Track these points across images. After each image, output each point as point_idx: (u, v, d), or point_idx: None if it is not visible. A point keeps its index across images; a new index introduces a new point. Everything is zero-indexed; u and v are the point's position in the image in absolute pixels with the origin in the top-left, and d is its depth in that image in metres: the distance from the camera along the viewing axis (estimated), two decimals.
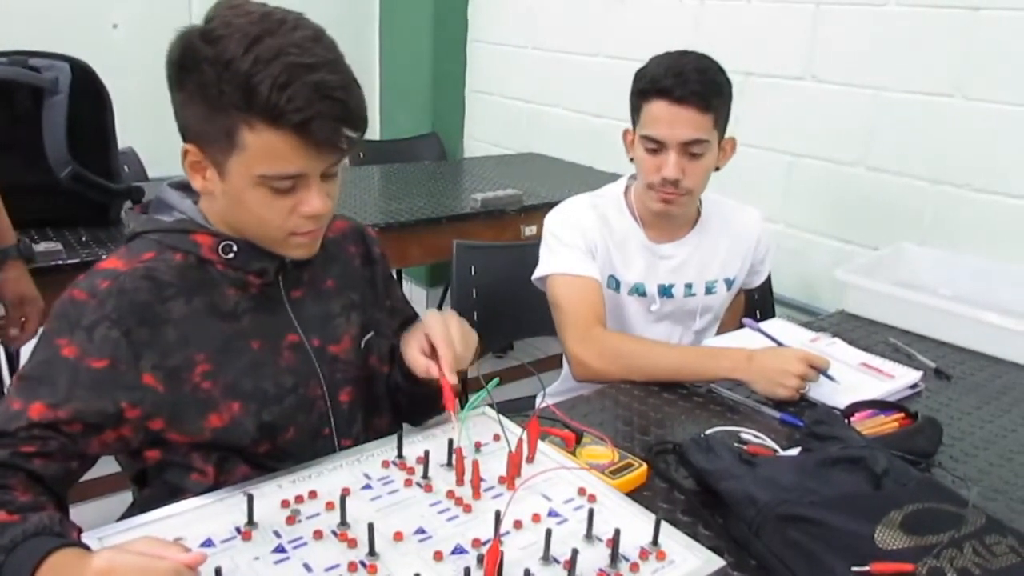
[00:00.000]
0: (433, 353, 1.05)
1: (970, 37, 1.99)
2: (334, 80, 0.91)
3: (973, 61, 2.00)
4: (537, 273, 1.57)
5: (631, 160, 1.55)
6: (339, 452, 1.02)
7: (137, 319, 0.95)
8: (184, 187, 1.06)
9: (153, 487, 1.05)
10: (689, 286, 1.62)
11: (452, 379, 1.01)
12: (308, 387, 1.07)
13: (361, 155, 3.39)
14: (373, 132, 3.97)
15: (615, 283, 1.59)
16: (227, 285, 1.02)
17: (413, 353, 1.06)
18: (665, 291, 1.61)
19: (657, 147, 1.46)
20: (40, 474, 0.88)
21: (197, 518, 0.86)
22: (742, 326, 1.54)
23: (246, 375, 1.01)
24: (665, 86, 1.42)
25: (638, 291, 1.60)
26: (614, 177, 1.68)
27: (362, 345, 1.14)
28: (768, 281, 2.06)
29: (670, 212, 1.52)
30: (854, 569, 0.82)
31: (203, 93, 0.91)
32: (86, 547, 0.77)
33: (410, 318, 1.28)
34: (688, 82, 1.40)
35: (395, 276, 1.33)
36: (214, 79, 0.89)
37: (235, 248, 1.01)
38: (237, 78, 0.88)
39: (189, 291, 1.00)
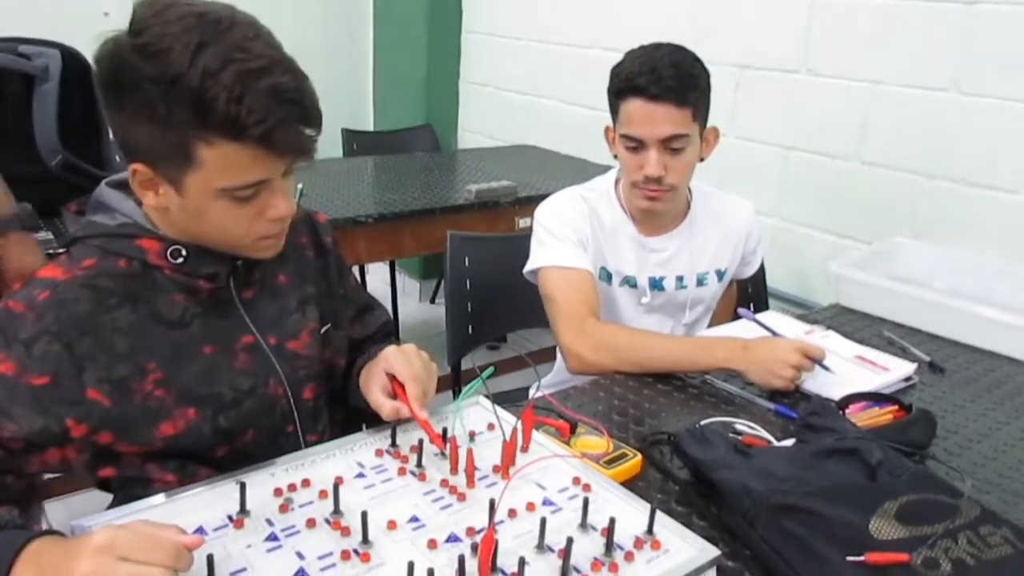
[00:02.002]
0: (396, 391, 1.03)
1: (967, 31, 1.99)
2: (287, 81, 0.87)
3: (970, 56, 1.99)
4: (529, 266, 1.56)
5: (615, 157, 1.54)
6: (332, 441, 1.01)
7: (79, 331, 0.91)
8: (124, 186, 1.00)
9: (118, 500, 1.03)
10: (680, 279, 1.62)
11: (424, 415, 0.99)
12: (268, 387, 1.04)
13: (354, 146, 3.38)
14: (367, 123, 3.95)
15: (607, 275, 1.58)
16: (174, 291, 0.98)
17: (377, 397, 1.03)
18: (656, 284, 1.60)
19: (637, 145, 1.45)
20: None
21: (189, 506, 0.85)
22: (737, 316, 1.54)
23: (199, 381, 0.98)
24: (640, 84, 1.40)
25: (629, 283, 1.59)
26: (608, 170, 1.67)
27: (321, 337, 1.12)
28: (762, 274, 2.06)
29: (656, 209, 1.52)
30: (849, 559, 0.82)
31: (149, 113, 0.85)
32: (60, 534, 0.76)
33: (365, 306, 1.27)
34: (663, 78, 1.39)
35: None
36: (159, 97, 0.84)
37: (184, 253, 0.97)
38: (187, 95, 0.83)
39: (134, 299, 0.95)
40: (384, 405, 1.01)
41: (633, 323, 1.61)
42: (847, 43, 2.24)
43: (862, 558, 0.82)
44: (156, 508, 0.84)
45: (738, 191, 1.74)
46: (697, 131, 1.46)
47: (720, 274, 1.66)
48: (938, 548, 0.83)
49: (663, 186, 1.46)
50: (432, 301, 3.79)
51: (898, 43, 2.13)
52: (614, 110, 1.49)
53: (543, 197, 1.62)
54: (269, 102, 0.85)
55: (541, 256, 1.53)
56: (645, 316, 1.63)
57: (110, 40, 0.87)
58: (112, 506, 1.04)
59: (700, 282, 1.64)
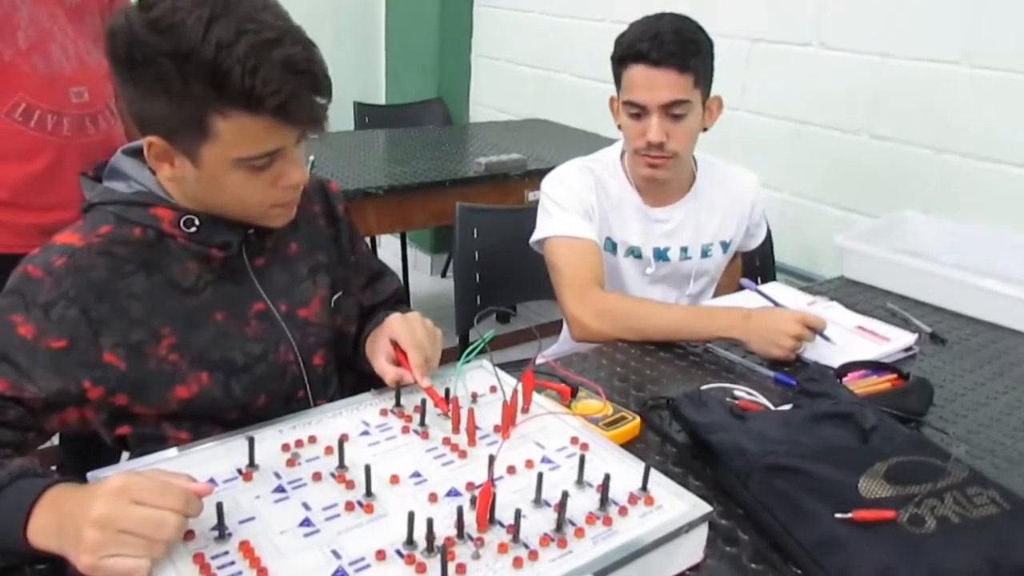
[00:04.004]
0: (399, 358, 1.05)
1: (979, 4, 1.98)
2: (298, 52, 0.88)
3: (981, 28, 1.98)
4: (535, 237, 1.58)
5: (619, 127, 1.56)
6: (339, 400, 1.04)
7: (96, 296, 0.94)
8: (139, 153, 1.01)
9: (134, 456, 1.05)
10: (684, 249, 1.63)
11: (425, 382, 1.01)
12: (278, 353, 1.07)
13: (366, 119, 3.39)
14: (378, 96, 3.96)
15: (612, 245, 1.60)
16: (188, 259, 1.00)
17: (381, 364, 1.05)
18: (660, 254, 1.62)
19: (639, 112, 1.47)
20: None
21: (199, 460, 0.88)
22: (740, 288, 1.56)
23: (212, 347, 1.01)
24: (642, 50, 1.42)
25: (634, 254, 1.61)
26: (615, 142, 1.68)
27: (331, 305, 1.14)
28: (770, 248, 2.07)
29: (658, 177, 1.53)
30: (837, 516, 0.84)
31: (164, 87, 0.87)
32: (78, 482, 0.79)
33: (377, 273, 1.28)
34: (664, 44, 1.41)
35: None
36: (174, 72, 0.85)
37: (197, 222, 0.99)
38: (202, 69, 0.85)
39: (148, 266, 0.98)
40: (388, 371, 1.04)
41: (638, 294, 1.63)
42: (859, 16, 2.23)
43: (850, 515, 0.84)
44: (169, 461, 0.88)
45: (747, 165, 1.75)
46: (699, 98, 1.48)
47: (724, 245, 1.67)
48: (924, 506, 0.85)
49: (665, 152, 1.48)
50: (443, 275, 3.82)
51: (909, 16, 2.11)
52: (617, 78, 1.51)
53: (553, 170, 1.64)
54: (283, 73, 0.86)
55: (547, 226, 1.55)
56: (650, 287, 1.65)
57: (121, 13, 0.89)
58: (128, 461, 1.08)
59: (704, 253, 1.65)
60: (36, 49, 1.47)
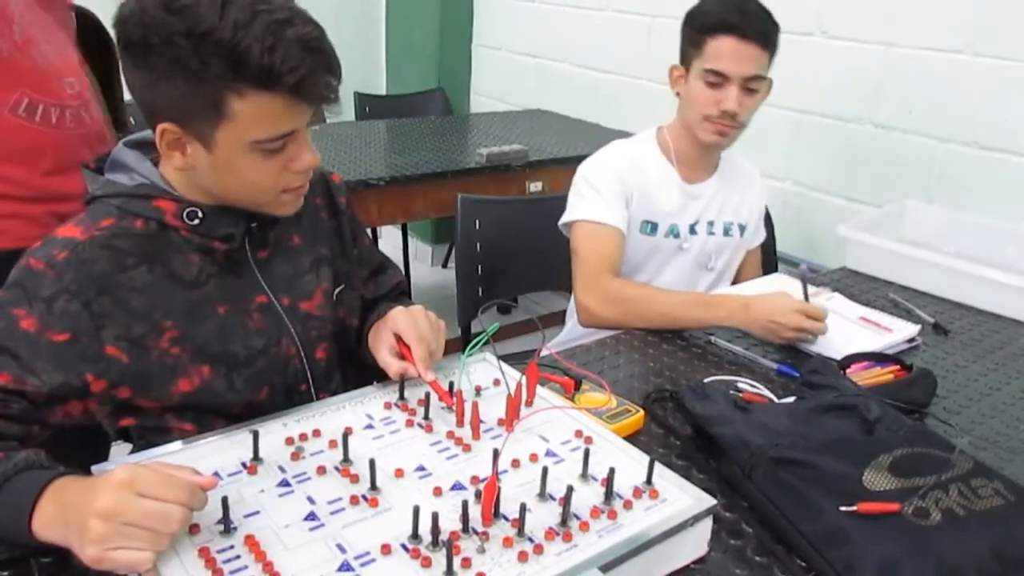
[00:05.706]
0: (403, 351, 1.05)
1: None
2: (310, 31, 0.89)
3: (985, 17, 1.97)
4: (564, 219, 1.60)
5: (676, 94, 1.59)
6: (342, 394, 1.04)
7: (97, 290, 0.94)
8: (140, 145, 1.01)
9: (138, 447, 1.05)
10: (711, 224, 1.67)
11: (429, 376, 1.01)
12: (280, 347, 1.06)
13: (367, 109, 3.38)
14: (379, 87, 3.95)
15: (652, 228, 1.62)
16: (190, 251, 1.00)
17: (384, 357, 1.05)
18: (692, 229, 1.66)
19: (719, 81, 1.50)
20: (1, 432, 0.88)
21: (204, 453, 0.88)
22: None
23: (214, 340, 1.01)
24: (733, 22, 1.47)
25: (673, 232, 1.64)
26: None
27: (334, 298, 1.14)
28: (772, 238, 2.07)
29: (721, 144, 1.58)
30: (842, 508, 0.84)
31: (181, 68, 0.87)
32: (82, 474, 0.79)
33: (379, 266, 1.28)
34: (753, 21, 1.47)
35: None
36: (192, 52, 0.85)
37: (200, 214, 0.98)
38: (221, 47, 0.85)
39: (151, 259, 0.97)
40: (391, 364, 1.04)
41: (672, 273, 1.65)
42: (862, 4, 2.21)
43: (854, 508, 0.84)
44: (173, 454, 0.88)
45: (749, 155, 1.76)
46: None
47: (742, 228, 1.71)
48: (929, 498, 0.85)
49: (735, 122, 1.53)
50: (444, 266, 3.82)
51: (913, 4, 2.10)
52: (695, 46, 1.53)
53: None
54: (299, 52, 0.87)
55: (577, 209, 1.57)
56: (682, 265, 1.67)
57: (135, 2, 0.88)
58: (132, 454, 1.08)
59: (726, 231, 1.69)
60: (31, 42, 1.45)
